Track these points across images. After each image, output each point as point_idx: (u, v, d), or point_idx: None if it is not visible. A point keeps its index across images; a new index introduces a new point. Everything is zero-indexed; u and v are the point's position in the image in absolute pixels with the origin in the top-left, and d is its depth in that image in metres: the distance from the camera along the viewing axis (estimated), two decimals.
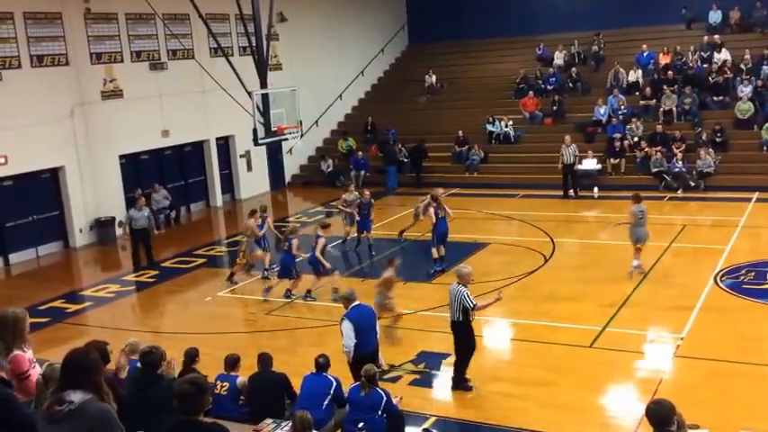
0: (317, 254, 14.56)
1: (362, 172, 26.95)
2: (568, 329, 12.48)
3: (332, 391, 8.39)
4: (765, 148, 22.86)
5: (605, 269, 15.63)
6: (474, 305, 9.99)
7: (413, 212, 18.24)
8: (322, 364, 8.63)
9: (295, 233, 15.25)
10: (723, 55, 26.23)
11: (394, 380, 10.62)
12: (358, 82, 31.83)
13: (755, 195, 20.99)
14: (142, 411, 6.49)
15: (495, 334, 13.08)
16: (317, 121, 28.90)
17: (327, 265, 14.71)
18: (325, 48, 29.16)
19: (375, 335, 9.80)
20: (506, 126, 26.91)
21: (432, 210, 16.08)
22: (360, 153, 27.50)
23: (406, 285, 15.02)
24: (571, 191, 22.93)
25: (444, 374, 11.04)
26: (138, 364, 7.32)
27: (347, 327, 9.38)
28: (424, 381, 10.90)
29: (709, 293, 13.72)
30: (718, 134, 23.49)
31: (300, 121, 18.66)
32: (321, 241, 14.67)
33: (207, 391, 5.03)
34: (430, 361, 11.45)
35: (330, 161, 27.92)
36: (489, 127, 27.14)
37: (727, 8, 28.15)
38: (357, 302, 9.74)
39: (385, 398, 8.21)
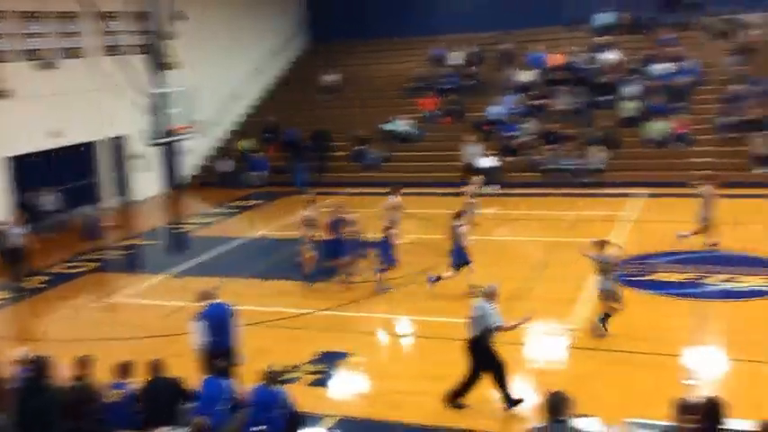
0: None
1: (262, 172, 26.69)
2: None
3: (229, 395, 8.23)
4: (656, 145, 23.93)
5: (504, 264, 15.95)
6: (500, 325, 9.48)
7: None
8: (222, 368, 8.46)
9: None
10: (611, 56, 27.29)
11: (292, 381, 10.48)
12: (258, 81, 31.41)
13: (643, 191, 21.88)
14: (30, 421, 6.22)
15: (394, 331, 13.16)
16: (215, 121, 28.32)
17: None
18: (226, 46, 28.67)
19: (231, 332, 9.63)
20: (406, 125, 27.16)
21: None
22: (259, 153, 27.18)
23: (312, 287, 14.96)
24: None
25: (344, 374, 11.02)
26: (25, 374, 7.01)
27: (200, 325, 9.30)
28: (325, 381, 10.84)
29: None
30: (608, 132, 24.41)
31: (197, 121, 18.31)
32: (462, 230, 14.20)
33: (96, 398, 4.84)
34: (330, 361, 11.39)
35: (229, 161, 27.45)
36: (389, 126, 27.32)
37: (616, 10, 29.29)
38: (214, 300, 9.65)
39: (283, 396, 8.13)
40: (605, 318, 11.74)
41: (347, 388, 10.76)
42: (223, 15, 28.74)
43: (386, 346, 12.61)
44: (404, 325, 13.36)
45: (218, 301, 9.87)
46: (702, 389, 9.39)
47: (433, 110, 27.71)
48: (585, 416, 7.26)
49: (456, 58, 29.92)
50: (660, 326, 12.17)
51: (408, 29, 31.81)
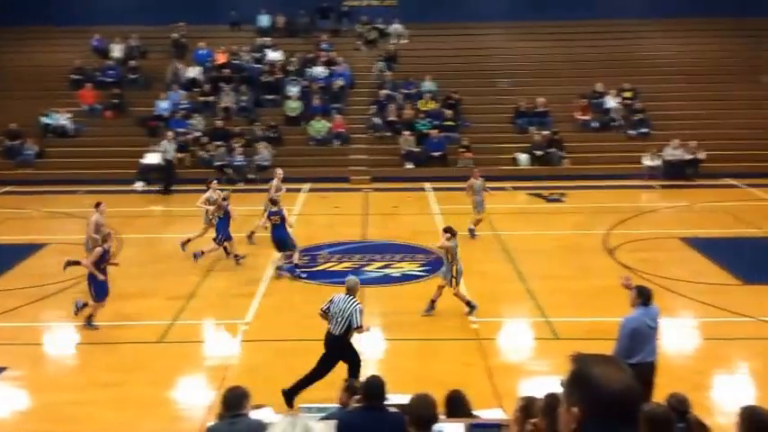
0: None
1: None
2: (138, 327, 12.28)
3: None
4: (317, 143, 25.17)
5: (174, 262, 15.67)
6: (360, 325, 9.46)
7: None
8: None
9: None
10: (274, 56, 28.12)
11: None
12: None
13: (307, 186, 22.90)
14: None
15: (57, 340, 12.28)
16: None
17: None
18: None
19: None
20: (64, 119, 25.36)
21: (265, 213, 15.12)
22: None
23: None
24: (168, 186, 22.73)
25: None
26: None
27: None
28: None
29: (271, 279, 14.64)
30: (273, 130, 25.15)
31: None
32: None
33: None
34: None
35: None
36: (45, 119, 25.29)
37: (275, 12, 30.20)
38: None
39: None
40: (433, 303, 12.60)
41: (4, 405, 9.81)
42: None
43: (46, 357, 11.72)
44: (68, 332, 12.51)
45: None
46: (368, 369, 10.14)
47: (93, 103, 26.22)
48: (260, 406, 7.44)
49: (118, 50, 28.60)
50: None
51: (66, 17, 29.54)
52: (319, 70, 27.58)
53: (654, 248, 16.55)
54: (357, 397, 6.79)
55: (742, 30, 29.32)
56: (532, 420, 5.19)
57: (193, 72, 27.38)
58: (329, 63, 27.92)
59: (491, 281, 14.55)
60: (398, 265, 15.49)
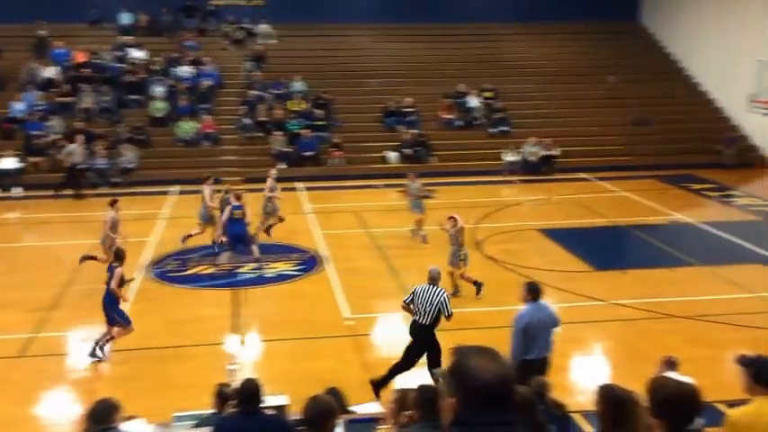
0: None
1: None
2: None
3: None
4: (186, 144, 24.68)
5: (31, 272, 14.97)
6: (451, 313, 9.55)
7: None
8: None
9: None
10: (137, 55, 27.25)
11: None
12: None
13: (176, 188, 22.37)
14: None
15: None
16: None
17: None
18: None
19: None
20: None
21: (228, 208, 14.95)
22: None
23: None
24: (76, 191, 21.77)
25: None
26: None
27: None
28: None
29: (141, 285, 14.25)
30: (138, 131, 24.39)
31: None
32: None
33: None
34: None
35: None
36: None
37: (137, 11, 29.29)
38: None
39: None
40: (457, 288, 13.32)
41: None
42: None
43: None
44: None
45: None
46: (244, 371, 10.08)
47: None
48: (132, 418, 7.27)
49: None
50: (199, 318, 12.71)
51: None
52: (185, 70, 26.99)
53: (515, 240, 17.34)
54: (233, 402, 6.73)
55: (590, 33, 31.24)
56: (407, 413, 5.37)
57: (50, 72, 26.13)
58: (196, 63, 27.38)
59: (364, 277, 14.77)
60: (273, 265, 15.44)
